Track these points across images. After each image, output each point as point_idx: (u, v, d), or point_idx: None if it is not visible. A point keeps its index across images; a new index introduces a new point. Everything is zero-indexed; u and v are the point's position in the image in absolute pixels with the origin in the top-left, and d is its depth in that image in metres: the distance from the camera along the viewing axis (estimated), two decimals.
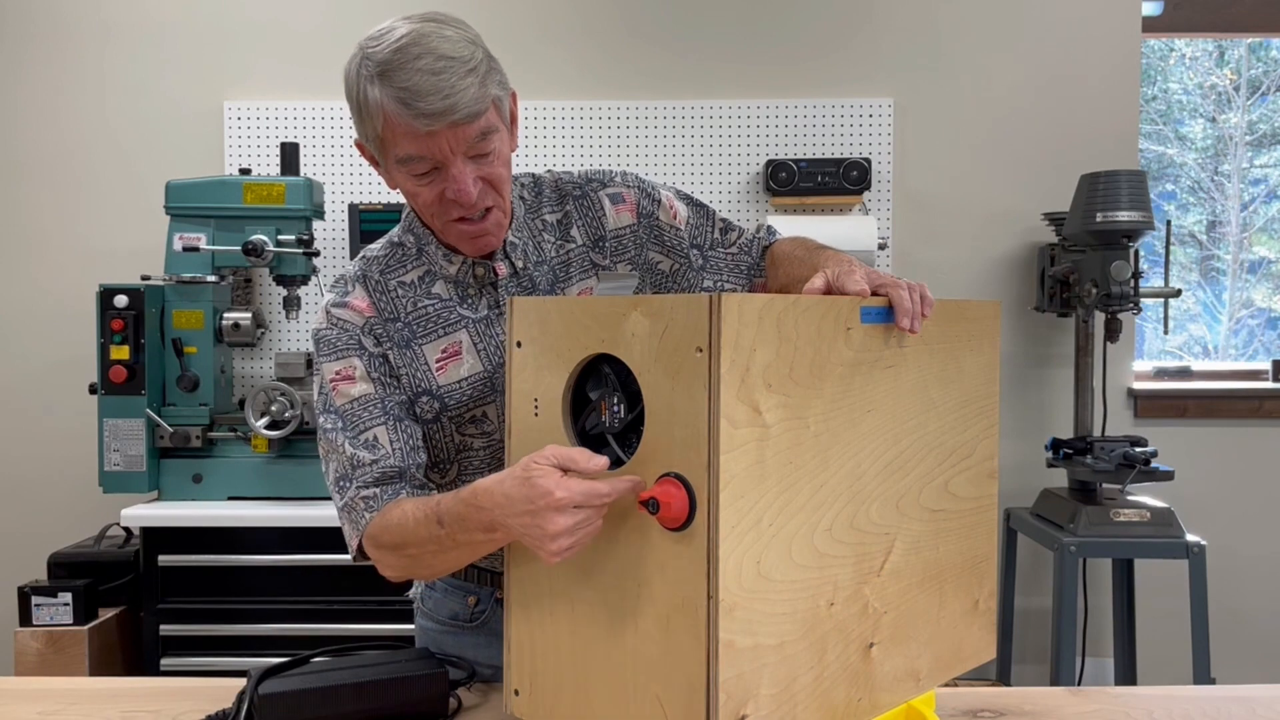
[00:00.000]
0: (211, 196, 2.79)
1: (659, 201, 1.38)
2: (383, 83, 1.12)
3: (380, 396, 1.26)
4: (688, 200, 1.42)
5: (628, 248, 1.36)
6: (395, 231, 1.35)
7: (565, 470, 0.98)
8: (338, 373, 1.26)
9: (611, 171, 1.39)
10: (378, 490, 1.23)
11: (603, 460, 0.99)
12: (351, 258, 2.85)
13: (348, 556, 1.27)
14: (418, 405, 1.29)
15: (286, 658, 1.24)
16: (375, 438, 1.24)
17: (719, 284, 1.40)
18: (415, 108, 1.11)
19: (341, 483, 1.25)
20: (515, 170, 1.37)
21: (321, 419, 1.28)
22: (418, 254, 1.31)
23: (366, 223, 2.98)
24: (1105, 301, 2.77)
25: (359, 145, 1.25)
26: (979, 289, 3.19)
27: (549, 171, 1.40)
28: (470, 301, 1.30)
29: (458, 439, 1.31)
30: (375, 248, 1.34)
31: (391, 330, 1.28)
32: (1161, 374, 3.36)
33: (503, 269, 1.30)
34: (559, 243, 1.34)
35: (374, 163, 1.25)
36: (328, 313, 1.29)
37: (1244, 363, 3.52)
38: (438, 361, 1.28)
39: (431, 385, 1.28)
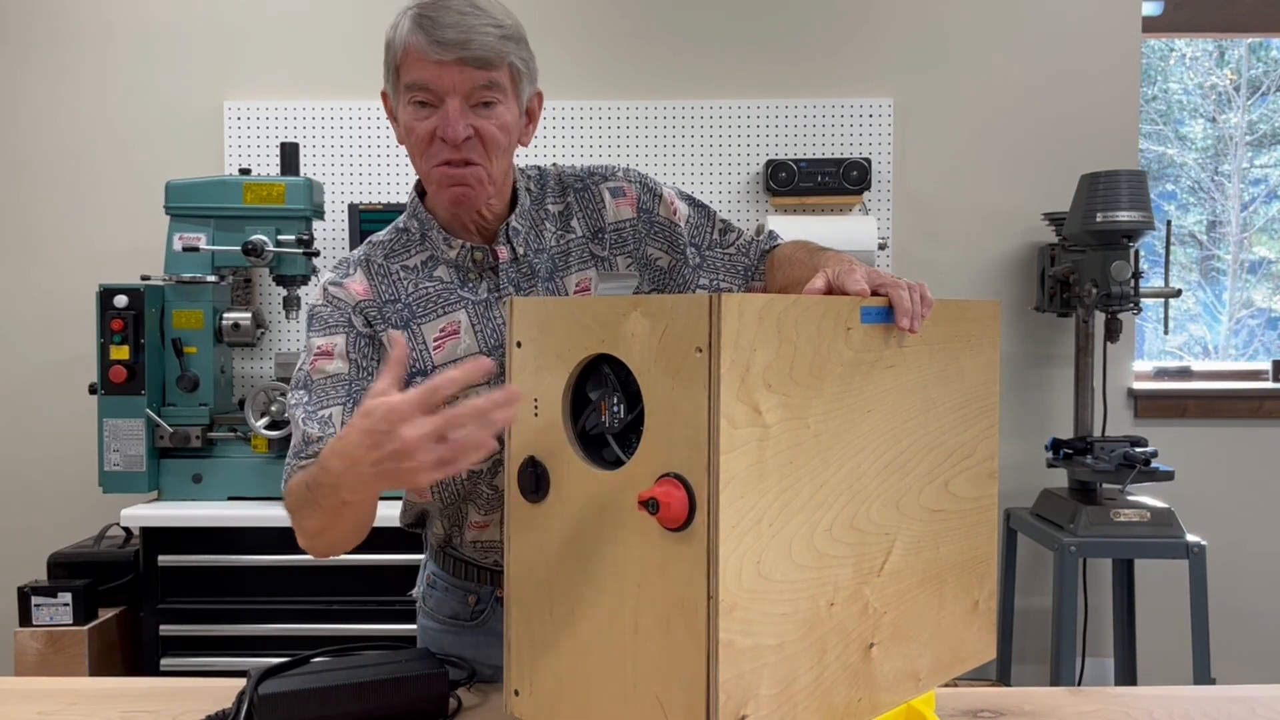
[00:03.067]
0: (211, 196, 2.79)
1: (660, 197, 1.40)
2: (414, 17, 1.20)
3: (349, 379, 1.28)
4: (689, 200, 1.44)
5: (626, 241, 1.38)
6: (401, 218, 1.38)
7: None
8: (320, 348, 1.29)
9: (614, 167, 1.42)
10: (311, 462, 1.23)
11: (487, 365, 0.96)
12: None
13: (347, 556, 1.29)
14: (412, 386, 1.29)
15: (286, 658, 1.24)
16: (330, 416, 1.26)
17: (714, 283, 1.41)
18: (431, 34, 1.18)
19: (293, 457, 1.28)
20: (519, 164, 1.39)
21: (291, 395, 1.30)
22: (421, 239, 1.34)
23: (366, 223, 2.98)
24: (1105, 301, 2.77)
25: (383, 95, 1.31)
26: (979, 289, 3.19)
27: (554, 165, 1.43)
28: (471, 285, 1.33)
29: None
30: (381, 234, 1.38)
31: (389, 312, 1.31)
32: (1161, 374, 3.36)
33: (503, 253, 1.32)
34: (559, 232, 1.36)
35: (391, 117, 1.31)
36: (324, 290, 1.33)
37: (1244, 363, 3.52)
38: (435, 340, 1.30)
39: (427, 365, 1.30)
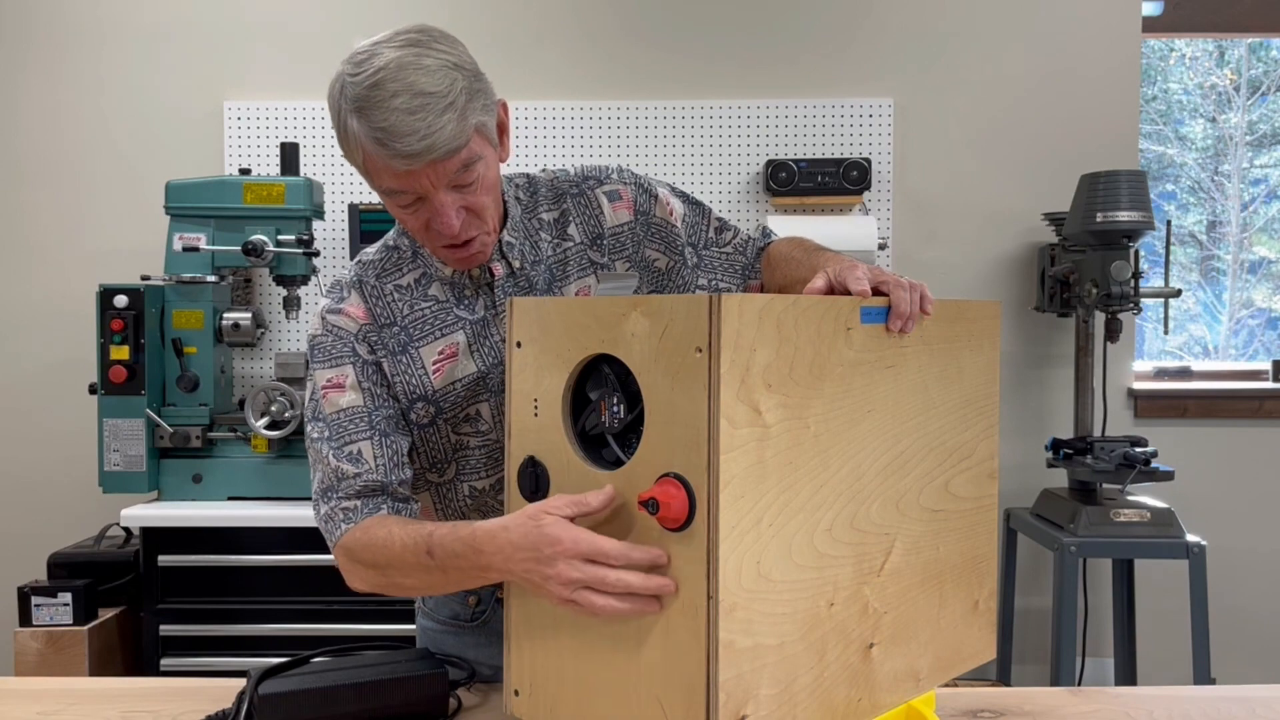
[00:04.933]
0: (211, 196, 2.79)
1: (655, 198, 1.37)
2: (360, 118, 1.11)
3: (368, 409, 1.26)
4: (684, 198, 1.42)
5: (625, 245, 1.35)
6: (391, 235, 1.35)
7: (574, 518, 0.99)
8: (329, 380, 1.27)
9: (608, 168, 1.39)
10: (358, 503, 1.24)
11: (609, 491, 0.98)
12: (351, 258, 2.84)
13: None
14: (413, 411, 1.29)
15: (286, 658, 1.24)
16: (359, 452, 1.24)
17: (713, 283, 1.40)
18: (392, 148, 1.10)
19: (328, 494, 1.26)
20: (510, 170, 1.37)
21: (309, 427, 1.28)
22: (413, 257, 1.31)
23: (366, 223, 2.98)
24: (1105, 301, 2.77)
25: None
26: (979, 289, 3.19)
27: (545, 170, 1.40)
28: (467, 303, 1.30)
29: (454, 438, 1.32)
30: (371, 251, 1.34)
31: (387, 337, 1.28)
32: (1161, 374, 3.36)
33: (499, 269, 1.29)
34: (555, 241, 1.33)
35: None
36: (323, 319, 1.29)
37: (1244, 363, 3.52)
38: (435, 364, 1.28)
39: (427, 390, 1.28)
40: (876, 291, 1.08)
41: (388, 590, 1.22)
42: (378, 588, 1.22)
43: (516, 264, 1.30)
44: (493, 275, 1.29)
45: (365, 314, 1.28)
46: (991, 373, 1.26)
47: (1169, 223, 2.85)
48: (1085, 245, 2.84)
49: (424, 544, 1.12)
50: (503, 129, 1.24)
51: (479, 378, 1.28)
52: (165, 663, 2.66)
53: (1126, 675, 3.04)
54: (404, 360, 1.28)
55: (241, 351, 3.12)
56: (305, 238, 2.78)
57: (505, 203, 1.31)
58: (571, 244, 1.34)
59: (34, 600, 2.61)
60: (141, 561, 2.66)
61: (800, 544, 0.97)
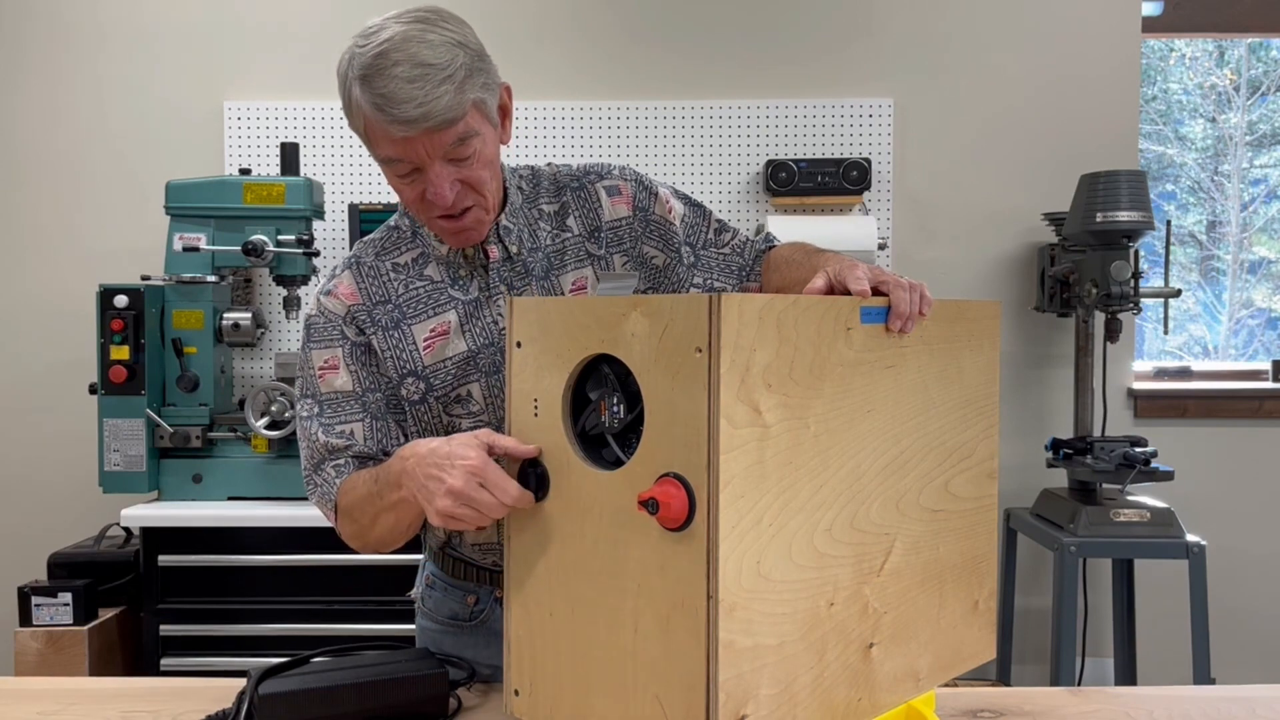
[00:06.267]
0: (211, 196, 2.79)
1: (655, 195, 1.39)
2: (363, 86, 1.15)
3: (360, 393, 1.31)
4: (685, 199, 1.44)
5: (623, 239, 1.37)
6: (394, 216, 1.39)
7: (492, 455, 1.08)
8: (326, 361, 1.32)
9: (610, 165, 1.42)
10: (343, 463, 1.31)
11: (529, 449, 1.06)
12: None
13: (347, 556, 1.31)
14: (404, 387, 1.32)
15: (286, 658, 1.25)
16: (352, 432, 1.30)
17: (708, 282, 1.41)
18: (389, 114, 1.14)
19: (320, 466, 1.32)
20: (513, 164, 1.39)
21: (300, 404, 1.33)
22: (412, 236, 1.35)
23: (366, 223, 2.98)
24: (1105, 301, 2.77)
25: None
26: (979, 289, 3.19)
27: (549, 165, 1.42)
28: (461, 283, 1.32)
29: (445, 419, 1.34)
30: (373, 233, 1.39)
31: (379, 314, 1.31)
32: (1161, 374, 3.36)
33: (495, 252, 1.31)
34: (555, 231, 1.36)
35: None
36: (318, 300, 1.34)
37: (1244, 363, 3.52)
38: (426, 341, 1.31)
39: (418, 366, 1.31)
40: (876, 291, 1.08)
41: (361, 538, 1.29)
42: (353, 536, 1.30)
43: (513, 249, 1.32)
44: (488, 257, 1.31)
45: (354, 294, 1.32)
46: (991, 373, 1.26)
47: (1169, 223, 2.85)
48: (1085, 245, 2.84)
49: (372, 474, 1.23)
50: (505, 111, 1.28)
51: (469, 357, 1.31)
52: (165, 663, 2.66)
53: (1126, 675, 3.04)
54: (395, 335, 1.31)
55: (241, 351, 3.12)
56: (305, 238, 2.78)
57: (506, 189, 1.34)
58: (570, 235, 1.36)
59: (34, 600, 2.61)
60: (141, 561, 2.66)
61: (800, 544, 0.97)
